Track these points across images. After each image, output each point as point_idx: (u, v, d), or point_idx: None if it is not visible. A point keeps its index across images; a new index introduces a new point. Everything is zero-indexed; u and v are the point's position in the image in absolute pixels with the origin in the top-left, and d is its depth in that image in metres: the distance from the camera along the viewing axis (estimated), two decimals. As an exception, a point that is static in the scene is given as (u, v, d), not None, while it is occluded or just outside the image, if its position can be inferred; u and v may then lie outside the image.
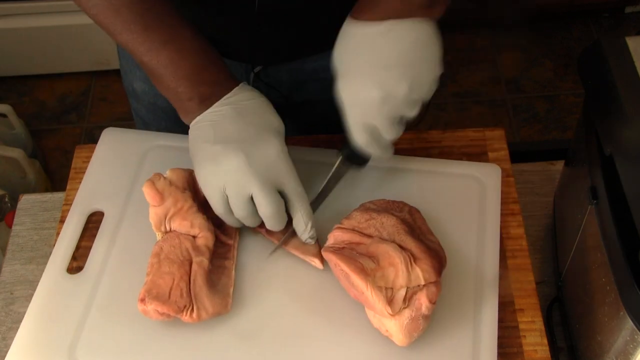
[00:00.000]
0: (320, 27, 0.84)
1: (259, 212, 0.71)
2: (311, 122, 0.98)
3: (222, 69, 0.74)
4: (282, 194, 0.71)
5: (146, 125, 1.03)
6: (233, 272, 0.75)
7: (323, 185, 0.78)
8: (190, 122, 0.74)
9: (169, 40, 0.71)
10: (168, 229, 0.74)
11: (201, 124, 0.72)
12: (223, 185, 0.70)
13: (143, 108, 1.01)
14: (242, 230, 0.78)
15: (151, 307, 0.68)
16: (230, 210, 0.72)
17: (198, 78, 0.72)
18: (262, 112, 0.73)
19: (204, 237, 0.73)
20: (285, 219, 0.72)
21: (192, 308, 0.69)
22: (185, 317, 0.69)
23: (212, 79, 0.73)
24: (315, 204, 0.77)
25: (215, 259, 0.74)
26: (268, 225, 0.72)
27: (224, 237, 0.76)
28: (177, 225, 0.73)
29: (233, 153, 0.69)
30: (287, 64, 0.92)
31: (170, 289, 0.69)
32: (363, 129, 0.71)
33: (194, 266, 0.71)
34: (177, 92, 0.72)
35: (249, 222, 0.73)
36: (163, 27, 0.71)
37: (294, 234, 0.75)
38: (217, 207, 0.72)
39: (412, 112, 0.71)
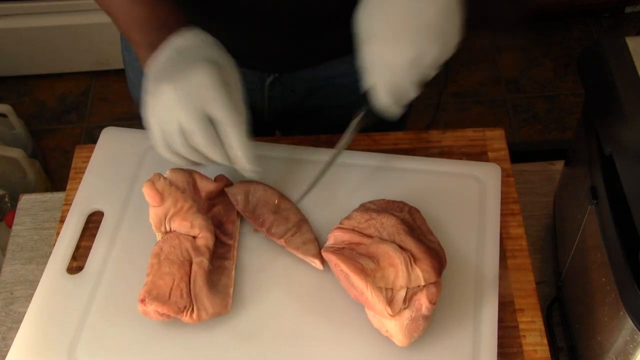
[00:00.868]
0: (336, 36, 0.84)
1: (191, 143, 0.67)
2: (323, 126, 0.98)
3: (171, 13, 0.72)
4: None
5: None
6: (233, 272, 0.75)
7: (339, 144, 0.77)
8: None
9: None
10: (168, 229, 0.74)
11: (148, 69, 0.70)
12: (158, 121, 0.68)
13: None
14: (242, 230, 0.78)
15: (151, 307, 0.68)
16: (172, 150, 0.69)
17: (147, 24, 0.71)
18: (202, 47, 0.70)
19: (204, 238, 0.73)
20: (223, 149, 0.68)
21: (192, 308, 0.69)
22: (186, 318, 0.69)
23: (160, 23, 0.71)
24: (328, 164, 0.77)
25: (215, 259, 0.74)
26: (206, 156, 0.68)
27: (224, 237, 0.76)
28: (177, 225, 0.73)
29: (163, 86, 0.66)
30: (301, 71, 0.92)
31: (171, 289, 0.69)
32: (389, 90, 0.70)
33: (194, 266, 0.71)
34: (131, 40, 0.72)
35: (191, 156, 0.68)
36: None
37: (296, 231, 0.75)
38: (158, 146, 0.69)
39: (434, 73, 0.71)
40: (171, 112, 0.66)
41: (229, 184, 0.80)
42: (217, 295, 0.71)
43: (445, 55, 0.70)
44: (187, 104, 0.65)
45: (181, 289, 0.69)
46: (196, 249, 0.72)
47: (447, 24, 0.68)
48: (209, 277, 0.71)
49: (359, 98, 0.74)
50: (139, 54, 0.73)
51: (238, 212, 0.78)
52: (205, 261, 0.72)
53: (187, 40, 0.69)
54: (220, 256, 0.75)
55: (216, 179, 0.80)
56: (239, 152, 0.67)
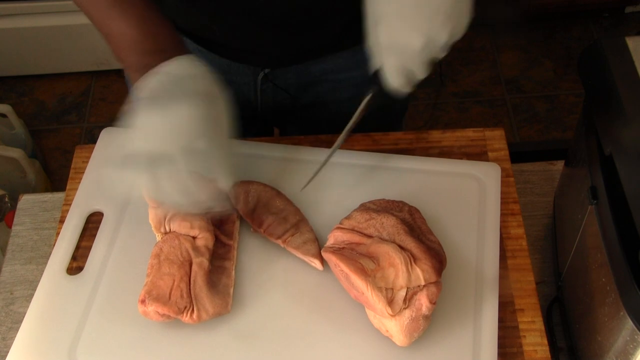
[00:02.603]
0: (328, 32, 0.84)
1: (176, 173, 0.66)
2: (318, 122, 0.98)
3: (167, 38, 0.72)
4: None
5: None
6: (233, 272, 0.75)
7: (349, 124, 0.76)
8: None
9: (114, 5, 0.71)
10: (168, 229, 0.74)
11: (139, 92, 0.70)
12: (146, 146, 0.67)
13: None
14: (242, 230, 0.78)
15: (151, 308, 0.68)
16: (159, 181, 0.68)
17: (140, 47, 0.71)
18: (196, 78, 0.70)
19: (204, 238, 0.73)
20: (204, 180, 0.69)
21: (193, 309, 0.69)
22: (186, 318, 0.69)
23: (154, 47, 0.71)
24: (340, 141, 0.78)
25: (215, 260, 0.74)
26: (185, 185, 0.68)
27: (224, 237, 0.76)
28: (177, 226, 0.73)
29: (153, 114, 0.67)
30: (294, 66, 0.92)
31: (171, 290, 0.69)
32: (399, 72, 0.71)
33: (194, 267, 0.71)
34: (121, 59, 0.72)
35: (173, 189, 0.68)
36: None
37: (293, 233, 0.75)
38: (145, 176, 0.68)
39: (443, 54, 0.71)
40: (158, 141, 0.66)
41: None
42: (217, 296, 0.71)
43: (456, 37, 0.70)
44: (173, 135, 0.66)
45: (181, 290, 0.69)
46: (196, 249, 0.72)
47: (457, 6, 0.68)
48: (209, 277, 0.71)
49: (368, 80, 0.74)
50: (130, 75, 0.72)
51: (238, 213, 0.78)
52: (205, 261, 0.72)
53: (182, 69, 0.70)
54: (220, 256, 0.75)
55: (216, 179, 0.80)
56: (225, 183, 0.68)
